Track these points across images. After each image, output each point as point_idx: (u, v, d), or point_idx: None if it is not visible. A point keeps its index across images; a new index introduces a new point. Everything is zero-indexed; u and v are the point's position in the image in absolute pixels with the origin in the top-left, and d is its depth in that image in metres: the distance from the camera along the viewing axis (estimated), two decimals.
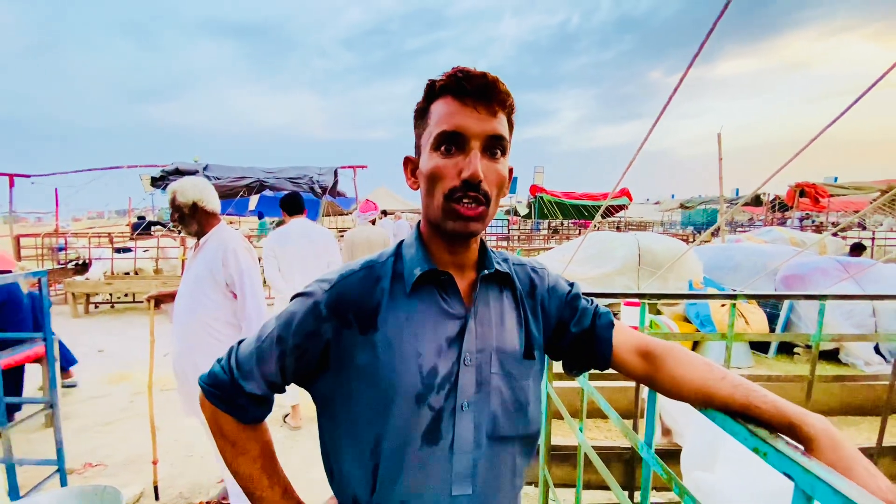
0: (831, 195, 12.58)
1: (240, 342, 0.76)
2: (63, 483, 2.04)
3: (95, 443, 3.03)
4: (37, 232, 9.35)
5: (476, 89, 0.65)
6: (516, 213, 19.47)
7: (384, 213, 9.13)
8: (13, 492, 1.88)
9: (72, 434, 3.09)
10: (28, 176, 7.72)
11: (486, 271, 0.73)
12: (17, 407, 3.09)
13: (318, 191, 7.25)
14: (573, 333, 0.80)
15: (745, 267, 5.48)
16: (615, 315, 0.88)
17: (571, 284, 0.84)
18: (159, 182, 7.67)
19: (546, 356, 0.83)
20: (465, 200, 0.65)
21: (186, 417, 2.13)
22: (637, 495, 1.70)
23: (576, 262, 5.98)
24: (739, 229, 15.66)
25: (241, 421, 0.74)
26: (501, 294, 0.75)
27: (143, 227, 9.96)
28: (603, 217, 16.54)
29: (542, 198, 14.77)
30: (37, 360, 3.08)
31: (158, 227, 11.01)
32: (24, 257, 8.22)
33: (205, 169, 7.58)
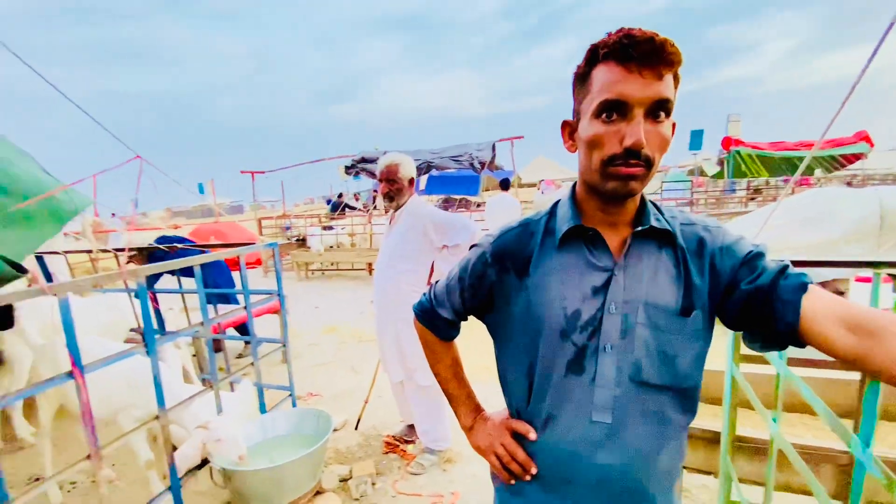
0: None
1: (437, 281, 0.98)
2: (293, 405, 2.65)
3: (314, 378, 3.83)
4: (270, 215, 12.00)
5: (643, 54, 0.63)
6: (702, 173, 16.55)
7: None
8: (262, 407, 2.53)
9: (299, 370, 3.97)
10: (263, 172, 9.90)
11: (640, 228, 0.74)
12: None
13: (478, 166, 7.46)
14: (743, 291, 0.70)
15: None
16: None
17: (756, 245, 0.74)
18: (350, 170, 8.96)
19: (713, 319, 0.76)
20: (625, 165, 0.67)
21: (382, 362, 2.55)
22: None
23: (786, 227, 4.88)
24: None
25: (438, 336, 0.98)
26: (660, 250, 0.75)
27: (339, 208, 11.85)
28: (829, 170, 12.94)
29: (738, 152, 12.22)
30: (274, 311, 4.00)
31: (347, 208, 13.04)
32: (265, 235, 10.70)
33: (384, 154, 8.55)
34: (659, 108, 0.66)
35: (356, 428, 2.90)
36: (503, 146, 8.01)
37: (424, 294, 1.00)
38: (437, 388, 2.48)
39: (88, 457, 1.56)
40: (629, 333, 0.73)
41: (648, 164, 0.67)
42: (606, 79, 0.66)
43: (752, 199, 12.28)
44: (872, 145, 12.07)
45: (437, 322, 0.96)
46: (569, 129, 0.78)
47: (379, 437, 2.79)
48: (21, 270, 1.54)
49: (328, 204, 12.99)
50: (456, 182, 11.64)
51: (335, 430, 2.88)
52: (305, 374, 3.93)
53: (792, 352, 1.31)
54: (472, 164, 7.81)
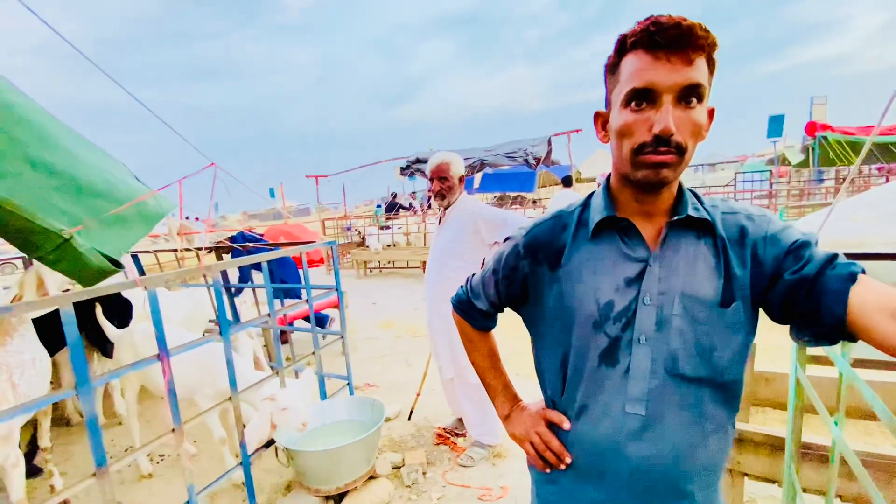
0: None
1: (473, 274, 1.01)
2: (350, 393, 2.80)
3: (371, 370, 4.01)
4: (333, 216, 12.59)
5: (670, 40, 0.63)
6: (785, 162, 15.06)
7: None
8: (323, 394, 2.70)
9: (357, 361, 4.17)
10: (326, 176, 10.42)
11: (676, 217, 0.73)
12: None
13: (532, 162, 7.36)
14: (787, 281, 0.67)
15: None
16: None
17: (804, 233, 0.70)
18: (406, 171, 9.20)
19: (757, 310, 0.74)
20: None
21: (434, 358, 2.62)
22: None
23: (875, 220, 4.37)
24: None
25: (475, 327, 1.01)
26: (699, 240, 0.74)
27: (394, 209, 12.19)
28: None
29: (825, 137, 11.04)
30: (334, 306, 4.23)
31: (401, 208, 13.37)
32: (328, 235, 11.26)
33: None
34: (689, 94, 0.65)
35: (409, 418, 3.01)
36: (560, 141, 7.85)
37: (462, 286, 1.04)
38: (458, 378, 2.51)
39: (172, 431, 1.77)
40: (665, 325, 0.72)
41: (680, 151, 0.67)
42: (634, 67, 0.66)
43: (848, 189, 11.01)
44: None
45: (473, 313, 0.99)
46: (601, 119, 0.78)
47: (431, 429, 2.88)
48: (118, 265, 1.77)
49: (378, 208, 13.43)
50: (511, 179, 11.54)
51: (389, 419, 3.01)
52: (363, 365, 4.12)
53: (863, 352, 1.21)
54: (526, 160, 7.73)
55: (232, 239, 4.26)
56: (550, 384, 0.87)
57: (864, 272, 0.64)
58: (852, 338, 0.64)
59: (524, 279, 0.86)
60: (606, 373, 0.76)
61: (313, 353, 2.60)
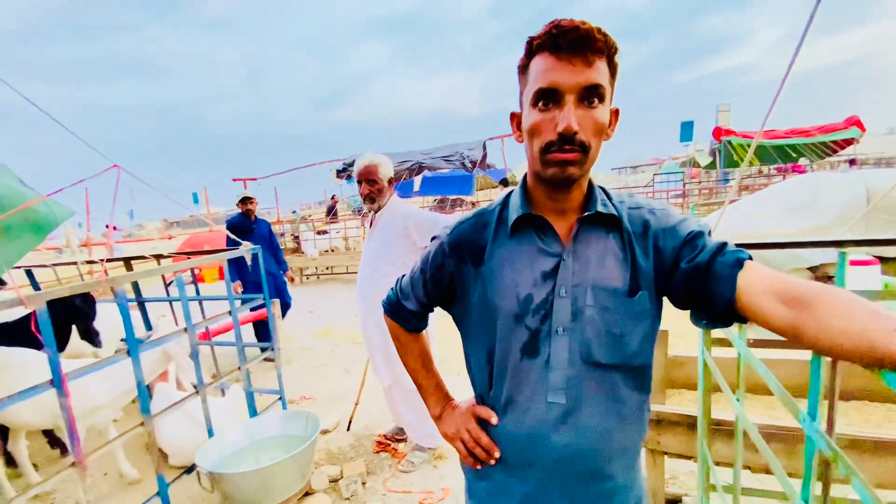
0: None
1: (403, 275, 1.01)
2: (283, 408, 2.66)
3: (308, 381, 3.84)
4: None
5: (570, 43, 0.67)
6: (696, 164, 16.61)
7: None
8: (252, 411, 2.54)
9: (293, 373, 3.98)
10: (255, 179, 9.90)
11: (586, 213, 0.76)
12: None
13: (469, 165, 7.48)
14: (683, 270, 0.72)
15: None
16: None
17: (699, 224, 0.76)
18: (342, 173, 8.97)
19: (661, 298, 0.79)
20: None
21: (371, 366, 2.55)
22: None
23: (774, 214, 4.90)
24: None
25: (405, 329, 1.01)
26: (607, 235, 0.77)
27: (332, 212, 11.85)
28: (821, 157, 12.95)
29: (729, 142, 12.27)
30: (263, 318, 4.01)
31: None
32: None
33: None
34: (591, 94, 0.68)
35: (348, 429, 2.91)
36: (494, 145, 8.04)
37: (392, 288, 1.03)
38: (395, 386, 2.49)
39: (73, 465, 1.57)
40: (579, 316, 0.75)
41: (584, 148, 0.70)
42: (540, 68, 0.70)
43: (746, 188, 12.29)
44: (864, 130, 12.11)
45: (403, 314, 0.99)
46: (517, 120, 0.80)
47: (371, 437, 2.81)
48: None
49: (329, 212, 12.97)
50: (450, 182, 11.66)
51: (327, 431, 2.90)
52: (299, 377, 3.94)
53: (760, 333, 1.33)
54: (463, 164, 7.83)
55: None
56: (478, 380, 0.88)
57: (750, 258, 0.69)
58: (743, 319, 0.69)
59: (451, 277, 0.87)
60: (529, 365, 0.78)
61: (239, 368, 2.44)
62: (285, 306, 4.44)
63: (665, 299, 0.79)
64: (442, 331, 2.57)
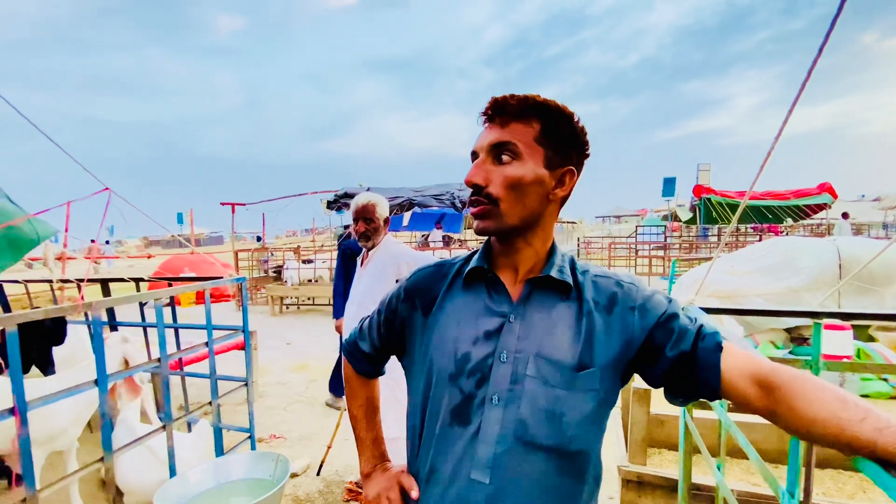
0: None
1: (370, 315, 0.96)
2: (252, 447, 2.55)
3: (279, 419, 3.69)
4: (249, 248, 11.86)
5: (489, 111, 0.73)
6: (676, 219, 17.21)
7: None
8: (219, 450, 2.42)
9: (264, 409, 3.83)
10: (244, 204, 9.87)
11: (537, 277, 0.74)
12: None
13: (459, 205, 7.62)
14: (669, 358, 0.70)
15: None
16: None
17: (669, 301, 0.74)
18: (333, 204, 9.00)
19: (618, 378, 0.73)
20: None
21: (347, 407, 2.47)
22: None
23: (750, 273, 5.05)
24: None
25: (356, 370, 0.96)
26: (563, 302, 0.74)
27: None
28: (795, 219, 13.55)
29: (708, 199, 12.80)
30: (240, 348, 3.90)
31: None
32: (241, 268, 10.51)
33: (367, 191, 8.66)
34: (499, 151, 0.72)
35: (318, 473, 2.78)
36: None
37: (355, 326, 0.99)
38: (403, 440, 2.37)
39: (24, 501, 1.46)
40: (518, 385, 0.69)
41: (492, 200, 0.71)
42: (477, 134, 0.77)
43: (727, 244, 12.70)
44: (836, 196, 12.79)
45: (357, 354, 0.95)
46: None
47: (341, 484, 2.68)
48: None
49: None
50: (439, 220, 11.82)
51: (296, 475, 2.76)
52: (271, 414, 3.79)
53: None
54: (453, 203, 7.97)
55: None
56: (410, 438, 0.82)
57: (724, 339, 0.70)
58: (720, 397, 0.70)
59: (402, 323, 0.85)
60: (457, 433, 0.72)
61: (210, 403, 2.35)
62: None
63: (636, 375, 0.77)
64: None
